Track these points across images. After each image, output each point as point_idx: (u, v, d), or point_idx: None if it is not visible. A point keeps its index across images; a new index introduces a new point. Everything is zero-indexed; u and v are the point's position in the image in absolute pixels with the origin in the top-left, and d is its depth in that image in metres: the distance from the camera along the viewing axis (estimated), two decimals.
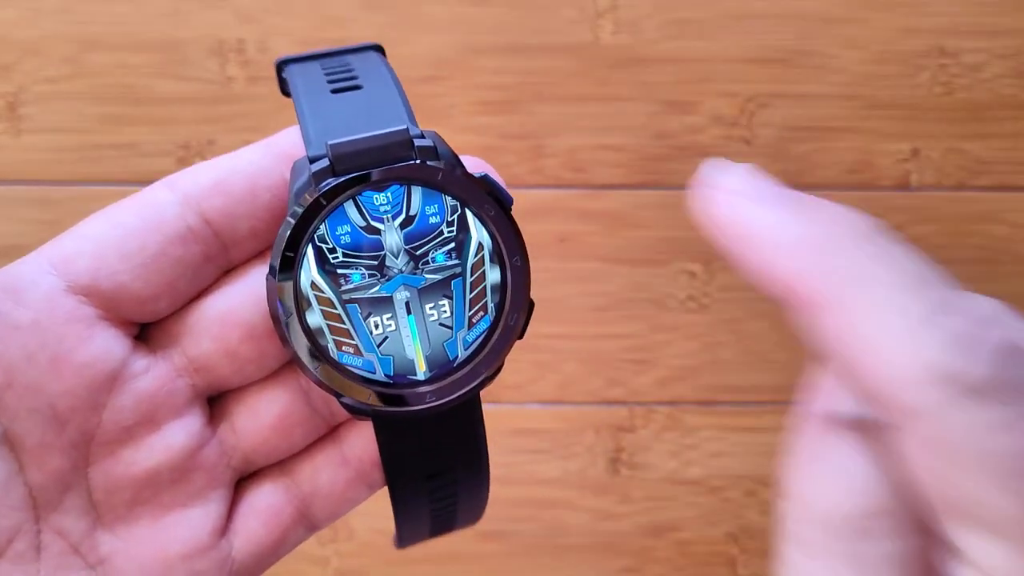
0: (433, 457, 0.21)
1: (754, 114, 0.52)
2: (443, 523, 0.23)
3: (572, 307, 0.51)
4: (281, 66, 0.23)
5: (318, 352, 0.20)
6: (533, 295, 0.21)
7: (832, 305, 0.15)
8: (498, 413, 0.50)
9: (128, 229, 0.20)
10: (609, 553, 0.52)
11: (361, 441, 0.22)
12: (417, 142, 0.20)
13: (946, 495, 0.14)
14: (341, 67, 0.22)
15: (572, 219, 0.51)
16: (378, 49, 0.23)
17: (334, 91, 0.21)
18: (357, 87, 0.21)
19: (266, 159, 0.21)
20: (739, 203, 0.17)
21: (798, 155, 0.52)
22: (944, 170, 0.52)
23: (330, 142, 0.20)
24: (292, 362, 0.21)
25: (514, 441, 0.50)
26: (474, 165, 0.21)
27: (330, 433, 0.22)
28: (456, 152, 0.21)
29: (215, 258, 0.21)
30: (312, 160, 0.20)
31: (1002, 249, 0.52)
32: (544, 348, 0.51)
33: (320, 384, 0.20)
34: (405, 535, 0.23)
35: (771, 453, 0.52)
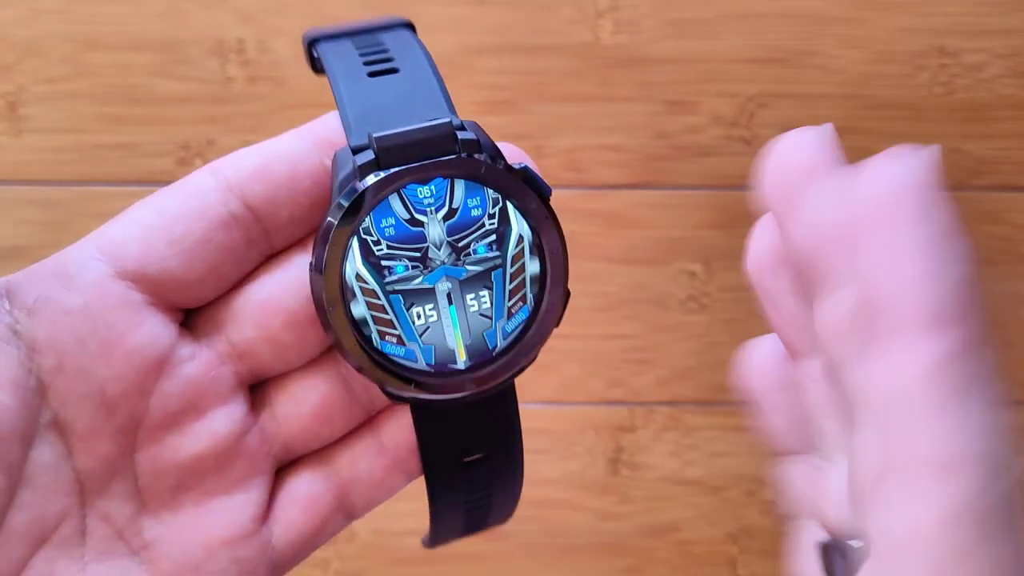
0: (469, 442, 0.22)
1: (754, 114, 0.52)
2: (477, 517, 0.24)
3: (572, 307, 0.51)
4: (312, 43, 0.23)
5: (362, 341, 0.20)
6: None
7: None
8: None
9: (173, 215, 0.20)
10: (609, 553, 0.52)
11: (399, 429, 0.22)
12: (460, 135, 0.20)
13: None
14: (375, 46, 0.22)
15: (572, 219, 0.51)
16: (409, 26, 0.23)
17: (371, 74, 0.21)
18: (394, 70, 0.22)
19: (306, 145, 0.21)
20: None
21: None
22: (944, 170, 0.52)
23: (375, 135, 0.20)
24: (334, 349, 0.21)
25: None
26: (513, 155, 0.22)
27: (368, 422, 0.23)
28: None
29: (257, 243, 0.21)
30: (355, 150, 0.20)
31: (1002, 249, 0.52)
32: (544, 348, 0.51)
33: (363, 372, 0.20)
34: (440, 530, 0.23)
35: (771, 453, 0.52)
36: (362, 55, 0.22)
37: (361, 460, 0.22)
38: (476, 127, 0.21)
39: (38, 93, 0.51)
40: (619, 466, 0.52)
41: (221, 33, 0.51)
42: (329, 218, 0.20)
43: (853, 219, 0.16)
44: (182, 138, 0.51)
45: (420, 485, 0.23)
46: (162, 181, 0.53)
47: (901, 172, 0.17)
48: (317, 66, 0.23)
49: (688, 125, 0.52)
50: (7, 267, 0.48)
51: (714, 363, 0.52)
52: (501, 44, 0.51)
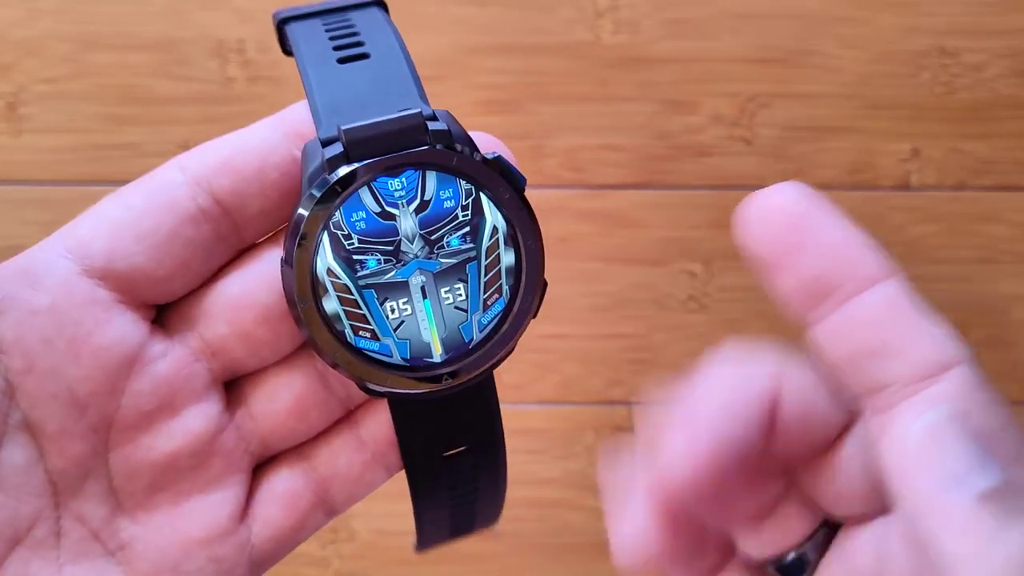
0: (449, 436, 0.22)
1: (754, 114, 0.52)
2: (464, 516, 0.23)
3: (572, 307, 0.51)
4: (282, 24, 0.22)
5: (335, 337, 0.20)
6: None
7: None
8: None
9: (141, 211, 0.20)
10: (609, 553, 0.52)
11: (377, 423, 0.22)
12: (431, 125, 0.20)
13: None
14: (345, 28, 0.22)
15: (572, 219, 0.51)
16: (380, 4, 0.23)
17: (341, 60, 0.21)
18: (364, 55, 0.21)
19: (275, 136, 0.21)
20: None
21: (798, 155, 0.52)
22: (945, 170, 0.52)
23: (344, 127, 0.19)
24: (308, 346, 0.21)
25: (514, 441, 0.50)
26: (485, 143, 0.21)
27: (346, 417, 0.22)
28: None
29: (227, 237, 0.21)
30: (324, 143, 0.20)
31: (1002, 249, 0.52)
32: (544, 348, 0.51)
33: (338, 368, 0.20)
34: (426, 529, 0.23)
35: None
36: (332, 38, 0.22)
37: (340, 455, 0.22)
38: (448, 116, 0.21)
39: (38, 93, 0.51)
40: None
41: (221, 33, 0.51)
42: (299, 212, 0.19)
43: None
44: (182, 138, 0.51)
45: None
46: None
47: None
48: (287, 48, 0.23)
49: (688, 125, 0.52)
50: None
51: None
52: (501, 44, 0.51)
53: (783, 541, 0.19)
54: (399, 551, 0.51)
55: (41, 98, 0.51)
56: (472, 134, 0.21)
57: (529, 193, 0.21)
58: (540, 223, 0.21)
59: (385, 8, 0.23)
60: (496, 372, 0.22)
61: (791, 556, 0.19)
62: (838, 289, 0.17)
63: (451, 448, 0.22)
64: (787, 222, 0.17)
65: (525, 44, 0.51)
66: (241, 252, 0.21)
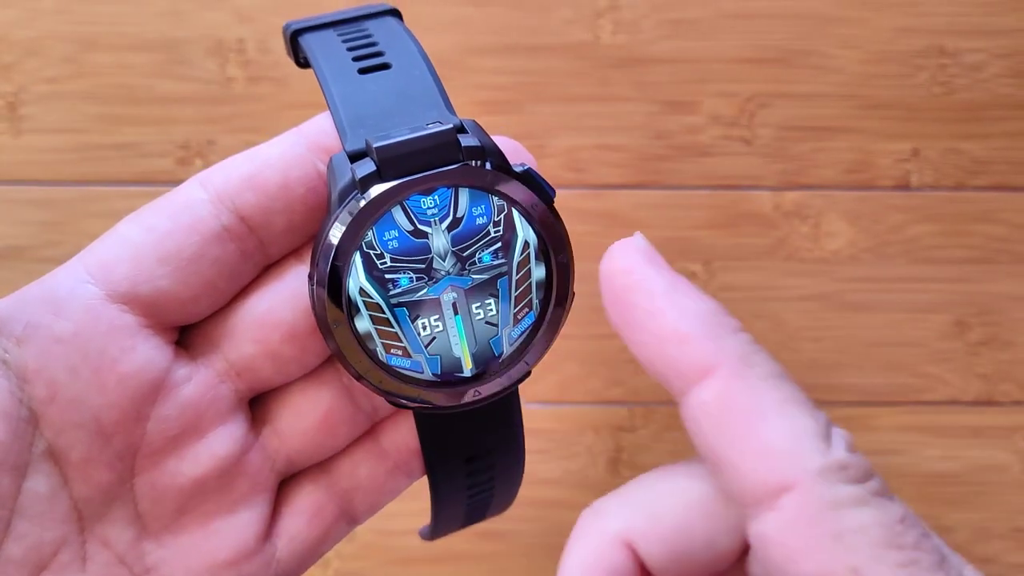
0: (473, 443, 0.22)
1: (754, 114, 0.52)
2: (478, 509, 0.23)
3: (573, 307, 0.51)
4: (295, 35, 0.22)
5: (367, 356, 0.20)
6: None
7: (727, 375, 0.15)
8: None
9: (164, 232, 0.19)
10: None
11: (399, 432, 0.22)
12: (463, 141, 0.19)
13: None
14: (362, 38, 0.21)
15: (572, 219, 0.50)
16: (395, 13, 0.22)
17: (362, 71, 0.21)
18: (386, 65, 0.21)
19: (298, 149, 0.20)
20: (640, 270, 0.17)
21: (798, 155, 0.52)
22: (943, 170, 0.52)
23: (376, 144, 0.19)
24: (336, 361, 0.21)
25: None
26: (512, 151, 0.21)
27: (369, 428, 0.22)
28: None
29: (252, 255, 0.20)
30: (352, 157, 0.19)
31: (1002, 249, 0.52)
32: None
33: (368, 386, 0.20)
34: (440, 524, 0.23)
35: None
36: (350, 48, 0.21)
37: (362, 466, 0.22)
38: (476, 127, 0.20)
39: (38, 93, 0.51)
40: (619, 466, 0.52)
41: (221, 33, 0.51)
42: (330, 231, 0.19)
43: None
44: (182, 138, 0.51)
45: (419, 485, 0.23)
46: (162, 181, 0.54)
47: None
48: (301, 59, 0.22)
49: (687, 125, 0.52)
50: (6, 267, 0.48)
51: None
52: (501, 44, 0.51)
53: None
54: (399, 551, 0.51)
55: (41, 98, 0.51)
56: (496, 139, 0.21)
57: None
58: None
59: (399, 17, 0.22)
60: None
61: None
62: (669, 383, 0.16)
63: (474, 453, 0.22)
64: (619, 296, 0.16)
65: (524, 44, 0.51)
66: (266, 268, 0.21)
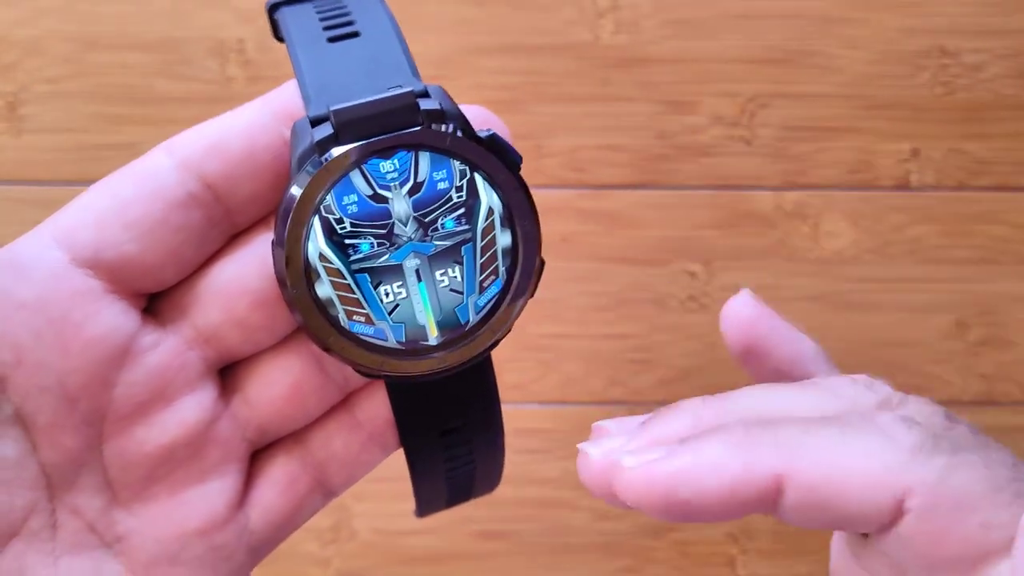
0: (446, 414, 0.21)
1: (754, 114, 0.52)
2: (461, 487, 0.23)
3: (572, 307, 0.51)
4: (272, 9, 0.22)
5: (329, 322, 0.20)
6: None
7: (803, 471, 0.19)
8: None
9: (129, 198, 0.19)
10: (609, 553, 0.52)
11: (373, 403, 0.22)
12: (423, 104, 0.19)
13: (957, 551, 0.16)
14: (335, 8, 0.21)
15: (573, 219, 0.51)
16: None
17: (331, 39, 0.21)
18: (355, 34, 0.21)
19: (263, 117, 0.20)
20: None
21: (798, 155, 0.52)
22: (944, 170, 0.52)
23: (333, 108, 0.19)
24: (302, 331, 0.21)
25: (515, 441, 0.50)
26: (479, 118, 0.21)
27: (342, 399, 0.22)
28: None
29: (219, 223, 0.20)
30: (313, 122, 0.19)
31: (1002, 249, 0.52)
32: (544, 348, 0.51)
33: (332, 352, 0.20)
34: (423, 499, 0.23)
35: None
36: (322, 19, 0.21)
37: (336, 437, 0.22)
38: (441, 92, 0.20)
39: (38, 93, 0.51)
40: None
41: (221, 33, 0.51)
42: (289, 194, 0.19)
43: None
44: None
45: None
46: None
47: None
48: (278, 33, 0.22)
49: (688, 125, 0.52)
50: None
51: (714, 363, 0.52)
52: (501, 44, 0.51)
53: None
54: (399, 551, 0.51)
55: (41, 98, 0.51)
56: (464, 108, 0.20)
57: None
58: (541, 222, 0.20)
59: None
60: (497, 371, 0.22)
61: None
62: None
63: (449, 426, 0.22)
64: (744, 332, 0.21)
65: (525, 44, 0.51)
66: (233, 237, 0.21)
